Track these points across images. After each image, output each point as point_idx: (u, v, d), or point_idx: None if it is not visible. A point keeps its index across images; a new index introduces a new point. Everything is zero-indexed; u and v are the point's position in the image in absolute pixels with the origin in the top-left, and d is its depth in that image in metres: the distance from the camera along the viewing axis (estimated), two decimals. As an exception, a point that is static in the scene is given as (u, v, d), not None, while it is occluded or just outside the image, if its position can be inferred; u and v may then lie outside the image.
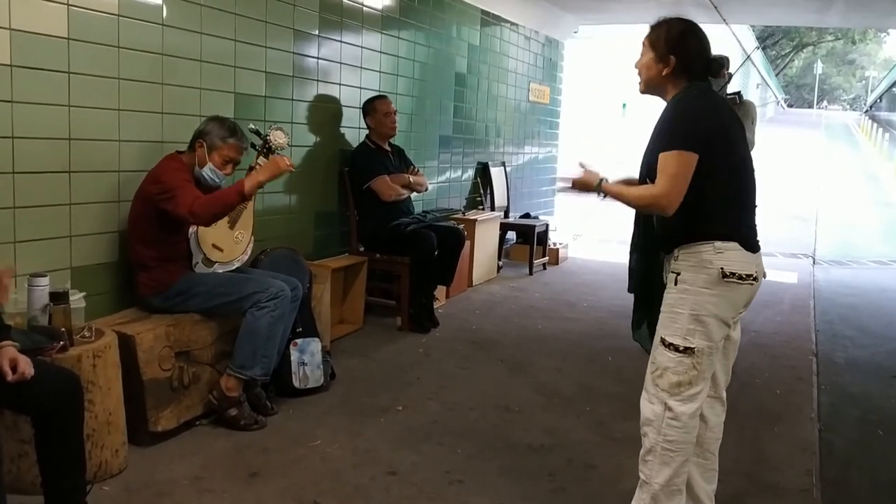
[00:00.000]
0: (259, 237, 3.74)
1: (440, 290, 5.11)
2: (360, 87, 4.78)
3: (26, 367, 1.99)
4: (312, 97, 4.36)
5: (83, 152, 2.96)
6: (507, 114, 7.09)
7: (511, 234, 6.96)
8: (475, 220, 5.79)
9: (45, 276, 2.57)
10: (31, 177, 2.78)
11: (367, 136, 4.68)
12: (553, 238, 7.16)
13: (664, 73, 2.19)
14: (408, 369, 3.90)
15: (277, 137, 3.15)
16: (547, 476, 2.77)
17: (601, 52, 11.92)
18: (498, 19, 6.64)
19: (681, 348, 2.12)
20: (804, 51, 46.32)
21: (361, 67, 4.78)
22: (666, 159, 2.07)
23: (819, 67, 47.50)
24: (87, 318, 2.81)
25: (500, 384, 3.78)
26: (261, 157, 3.14)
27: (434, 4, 5.56)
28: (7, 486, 2.03)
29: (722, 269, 2.09)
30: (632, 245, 2.43)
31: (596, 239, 8.78)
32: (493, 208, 6.60)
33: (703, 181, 2.08)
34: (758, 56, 27.95)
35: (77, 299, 2.69)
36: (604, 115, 13.02)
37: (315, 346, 3.48)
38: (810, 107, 48.30)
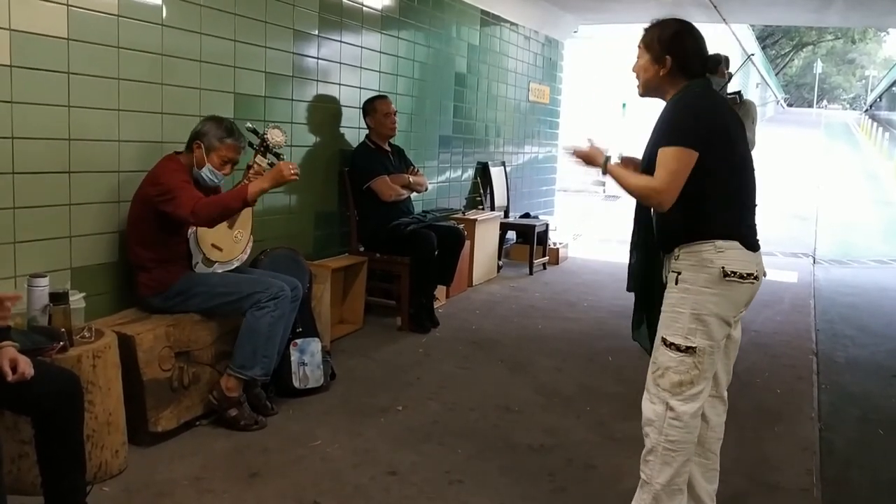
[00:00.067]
0: (259, 237, 3.74)
1: (440, 290, 5.11)
2: (360, 88, 4.78)
3: (26, 367, 1.99)
4: (312, 97, 4.35)
5: (83, 153, 2.96)
6: (507, 114, 7.09)
7: (511, 234, 6.96)
8: (475, 220, 5.79)
9: (45, 276, 2.57)
10: (31, 177, 2.78)
11: (367, 136, 4.68)
12: (553, 238, 7.16)
13: (661, 74, 2.19)
14: (408, 369, 3.90)
15: (275, 136, 3.15)
16: (547, 476, 2.77)
17: (601, 52, 11.92)
18: (498, 19, 6.64)
19: (682, 348, 2.12)
20: (804, 50, 46.32)
21: (361, 67, 4.78)
22: (666, 154, 2.07)
23: (819, 67, 47.47)
24: (87, 319, 2.81)
25: (501, 384, 3.78)
26: (258, 155, 3.14)
27: (434, 4, 5.56)
28: (7, 487, 2.03)
29: (723, 268, 2.09)
30: (631, 244, 2.42)
31: (596, 239, 8.78)
32: (493, 208, 6.60)
33: (703, 180, 2.08)
34: (757, 55, 27.95)
35: (77, 300, 2.69)
36: (604, 115, 13.04)
37: (315, 346, 3.48)
38: (810, 106, 48.27)
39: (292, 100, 4.19)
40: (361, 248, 4.68)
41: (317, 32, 4.32)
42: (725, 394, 2.34)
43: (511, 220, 6.78)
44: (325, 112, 4.52)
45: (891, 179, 15.95)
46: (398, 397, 3.48)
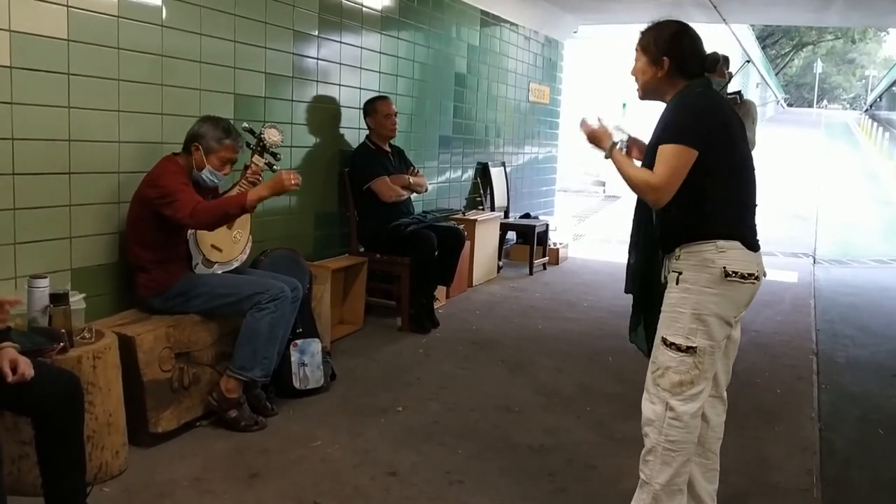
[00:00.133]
0: (259, 238, 3.74)
1: (440, 291, 5.11)
2: (360, 88, 4.78)
3: (26, 368, 1.99)
4: (312, 98, 4.36)
5: (83, 153, 2.96)
6: (507, 114, 7.09)
7: (511, 235, 6.97)
8: (475, 221, 5.79)
9: (45, 277, 2.57)
10: (31, 178, 2.78)
11: (367, 137, 4.68)
12: (553, 238, 7.16)
13: (660, 76, 2.20)
14: (408, 370, 3.90)
15: (272, 136, 3.15)
16: (547, 476, 2.77)
17: (601, 52, 11.93)
18: (497, 19, 6.64)
19: (683, 348, 2.12)
20: (804, 50, 46.31)
21: (361, 68, 4.78)
22: (665, 151, 2.08)
23: (819, 67, 47.47)
24: (87, 320, 2.81)
25: (501, 384, 3.78)
26: (255, 155, 3.14)
27: (433, 5, 5.57)
28: (8, 488, 2.03)
29: (724, 268, 2.09)
30: (630, 244, 2.42)
31: (596, 239, 8.79)
32: (493, 208, 6.60)
33: (703, 180, 2.08)
34: (757, 55, 27.93)
35: (77, 300, 2.69)
36: (604, 115, 13.04)
37: (315, 346, 3.48)
38: (810, 106, 48.27)
39: (292, 100, 4.19)
40: (361, 249, 4.68)
41: (317, 33, 4.32)
42: (725, 394, 2.34)
43: (511, 220, 6.78)
44: (325, 113, 4.52)
45: (891, 179, 15.94)
46: (398, 398, 3.48)
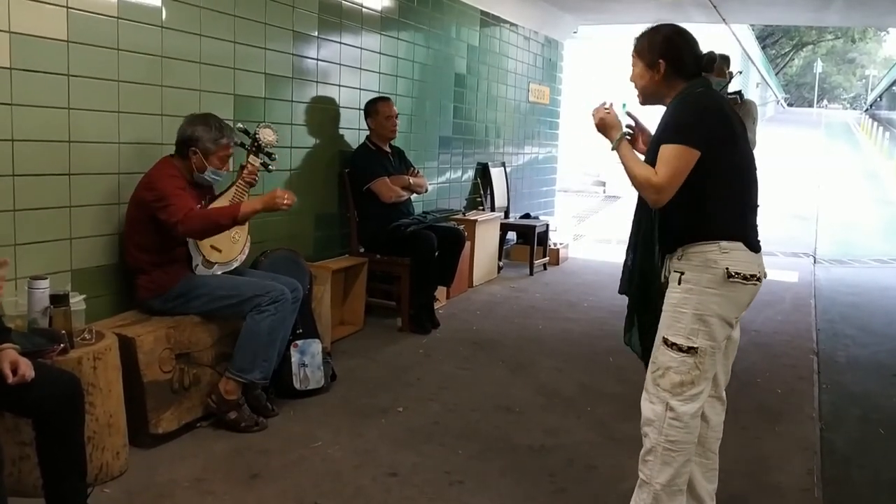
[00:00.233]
0: (259, 238, 3.74)
1: (440, 291, 5.11)
2: (360, 89, 4.78)
3: (27, 369, 1.99)
4: (312, 99, 4.36)
5: (83, 154, 2.96)
6: (507, 114, 7.09)
7: (511, 235, 6.97)
8: (475, 221, 5.79)
9: (46, 278, 2.57)
10: (31, 179, 2.78)
11: (368, 138, 4.68)
12: (553, 238, 7.16)
13: (657, 79, 2.20)
14: (408, 370, 3.90)
15: (266, 135, 3.15)
16: (548, 477, 2.77)
17: (601, 53, 11.93)
18: (497, 20, 6.64)
19: (684, 348, 2.12)
20: (804, 50, 46.31)
21: (361, 69, 4.78)
22: (667, 151, 2.07)
23: (819, 66, 47.48)
24: (88, 321, 2.81)
25: (501, 385, 3.78)
26: (251, 155, 3.14)
27: (433, 5, 5.57)
28: (8, 489, 2.03)
29: (727, 269, 2.09)
30: (629, 244, 2.42)
31: (596, 239, 8.79)
32: (493, 209, 6.60)
33: (706, 180, 2.08)
34: (757, 55, 27.94)
35: (77, 301, 2.69)
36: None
37: (316, 347, 3.48)
38: (810, 106, 48.28)
39: (292, 101, 4.19)
40: (362, 250, 4.68)
41: (316, 34, 4.32)
42: (724, 394, 2.34)
43: (511, 220, 6.78)
44: (325, 113, 4.53)
45: (891, 179, 15.94)
46: (399, 398, 3.48)
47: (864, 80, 51.02)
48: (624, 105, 2.43)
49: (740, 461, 2.91)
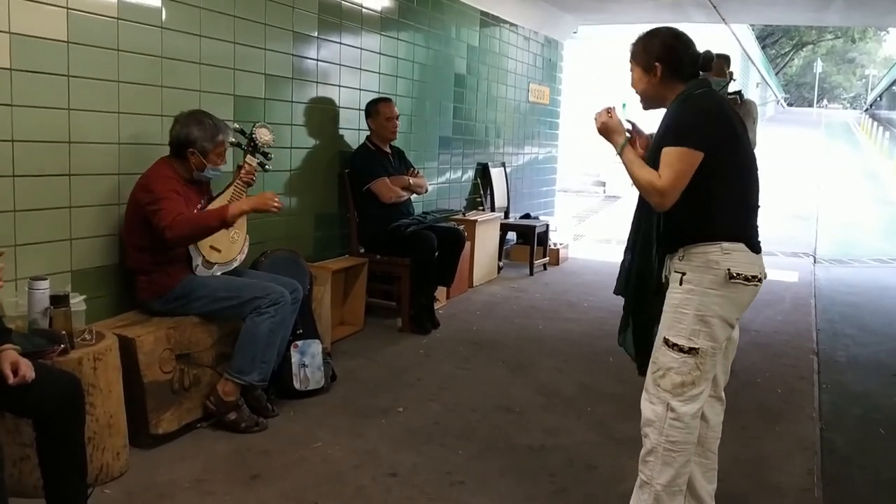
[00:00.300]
0: (259, 239, 3.74)
1: (440, 291, 5.11)
2: (360, 89, 4.78)
3: (27, 370, 1.99)
4: (312, 99, 4.36)
5: (83, 155, 2.96)
6: (507, 114, 7.09)
7: (511, 235, 6.97)
8: (475, 221, 5.79)
9: (46, 279, 2.57)
10: (32, 180, 2.78)
11: (368, 138, 4.68)
12: (553, 238, 7.16)
13: (655, 82, 2.21)
14: (408, 370, 3.90)
15: (262, 135, 3.15)
16: (548, 477, 2.77)
17: (601, 53, 11.93)
18: (497, 20, 6.64)
19: (685, 349, 2.12)
20: (804, 49, 46.31)
21: (361, 69, 4.78)
22: (670, 154, 2.07)
23: (819, 66, 47.48)
24: (88, 321, 2.81)
25: (501, 385, 3.78)
26: (248, 155, 3.15)
27: (433, 6, 5.57)
28: (9, 490, 2.03)
29: (729, 270, 2.09)
30: (627, 244, 2.42)
31: (596, 239, 8.79)
32: (493, 209, 6.60)
33: (709, 181, 2.08)
34: (757, 55, 27.95)
35: (77, 302, 2.69)
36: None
37: (316, 347, 3.48)
38: (810, 105, 48.28)
39: (292, 102, 4.19)
40: (362, 250, 4.68)
41: (316, 34, 4.32)
42: (723, 394, 2.34)
43: (511, 220, 6.78)
44: (325, 114, 4.53)
45: (891, 179, 15.94)
46: (399, 398, 3.48)
47: (864, 80, 51.02)
48: (624, 105, 2.43)
49: (740, 461, 2.91)
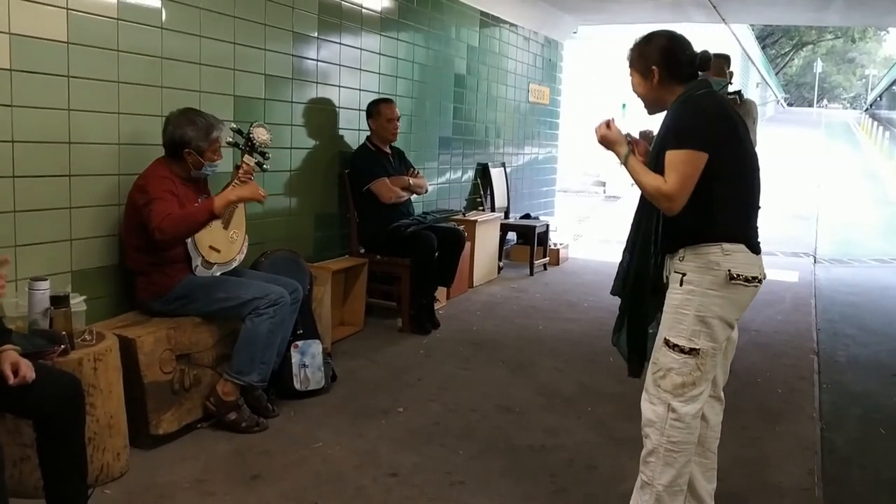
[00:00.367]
0: (259, 239, 3.75)
1: (441, 292, 5.11)
2: (360, 90, 4.78)
3: (27, 370, 1.99)
4: (312, 99, 4.36)
5: (83, 155, 2.96)
6: (507, 115, 7.10)
7: (511, 235, 6.97)
8: (475, 221, 5.79)
9: (46, 279, 2.57)
10: (32, 180, 2.78)
11: (368, 138, 4.68)
12: (553, 238, 7.16)
13: (654, 86, 2.21)
14: (409, 370, 3.90)
15: (260, 135, 3.15)
16: (548, 477, 2.77)
17: (600, 53, 11.93)
18: (497, 20, 6.64)
19: (686, 349, 2.12)
20: (804, 49, 46.30)
21: (361, 69, 4.78)
22: (675, 157, 2.07)
23: (819, 66, 47.46)
24: (88, 322, 2.81)
25: (501, 385, 3.78)
26: (246, 155, 3.15)
27: (433, 6, 5.57)
28: (9, 490, 2.03)
29: (729, 271, 2.09)
30: (626, 245, 2.41)
31: (596, 239, 8.79)
32: (493, 209, 6.60)
33: (711, 181, 2.08)
34: (757, 55, 27.94)
35: (78, 303, 2.69)
36: (604, 116, 13.05)
37: (316, 348, 3.48)
38: (810, 105, 48.26)
39: (292, 102, 4.19)
40: (362, 250, 4.68)
41: (316, 35, 4.32)
42: (722, 394, 2.35)
43: (511, 220, 6.78)
44: (325, 114, 4.53)
45: (891, 179, 15.94)
46: (399, 399, 3.48)
47: (864, 80, 51.01)
48: (623, 106, 2.44)
49: (740, 461, 2.91)
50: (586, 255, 7.76)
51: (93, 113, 2.98)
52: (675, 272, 2.18)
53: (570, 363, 4.16)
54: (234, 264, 3.22)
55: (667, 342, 2.16)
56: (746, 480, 2.78)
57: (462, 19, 6.03)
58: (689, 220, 2.12)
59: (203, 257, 3.09)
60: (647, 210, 2.26)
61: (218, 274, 3.13)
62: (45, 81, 2.79)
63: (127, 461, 2.66)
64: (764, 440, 3.18)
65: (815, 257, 8.15)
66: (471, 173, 6.48)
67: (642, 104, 2.30)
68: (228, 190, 3.01)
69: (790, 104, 46.82)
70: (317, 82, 4.38)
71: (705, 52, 2.23)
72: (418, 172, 4.88)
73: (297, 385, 3.39)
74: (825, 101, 55.08)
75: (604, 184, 13.61)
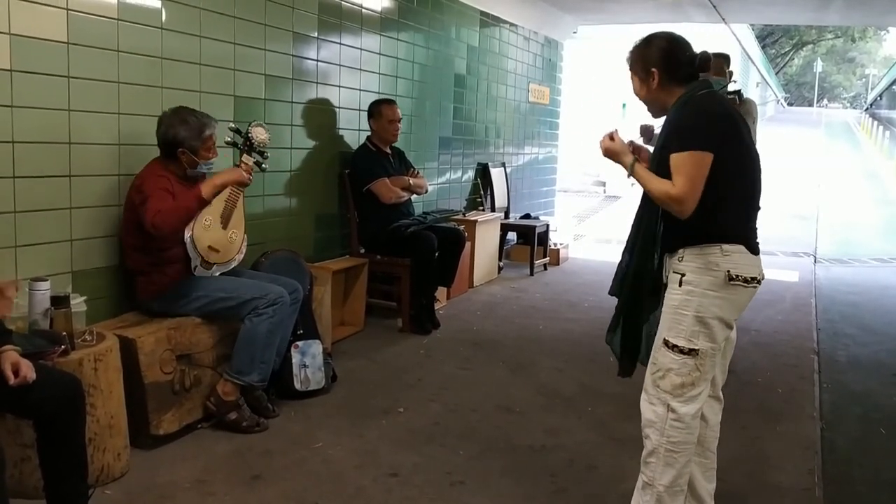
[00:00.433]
0: (260, 239, 3.75)
1: (441, 292, 5.11)
2: (360, 90, 4.78)
3: (28, 371, 2.00)
4: (312, 100, 4.36)
5: (83, 156, 2.96)
6: (507, 115, 7.10)
7: (511, 235, 6.97)
8: (475, 221, 5.79)
9: (46, 279, 2.57)
10: (32, 181, 2.78)
11: (368, 139, 4.68)
12: (553, 238, 7.16)
13: (654, 89, 2.21)
14: (409, 371, 3.90)
15: (258, 134, 3.15)
16: (548, 477, 2.77)
17: (600, 53, 11.94)
18: (497, 20, 6.64)
19: (685, 350, 2.12)
20: (804, 49, 46.28)
21: (361, 69, 4.78)
22: (681, 160, 2.07)
23: (819, 66, 47.44)
24: (88, 322, 2.81)
25: (502, 385, 3.78)
26: (245, 154, 3.15)
27: (433, 6, 5.57)
28: (10, 491, 2.03)
29: (728, 271, 2.09)
30: (626, 246, 2.41)
31: (596, 239, 8.79)
32: (493, 209, 6.60)
33: (713, 181, 2.08)
34: (757, 55, 27.94)
35: (78, 303, 2.69)
36: (604, 115, 13.07)
37: (316, 348, 3.48)
38: (810, 105, 48.26)
39: (292, 102, 4.19)
40: (362, 250, 4.68)
41: (316, 35, 4.32)
42: (721, 393, 2.35)
43: (511, 220, 6.78)
44: (325, 114, 4.53)
45: (891, 178, 15.94)
46: (399, 399, 3.48)
47: (864, 80, 51.00)
48: (623, 105, 2.44)
49: (741, 461, 2.91)
50: (586, 255, 7.76)
51: (93, 113, 2.99)
52: (675, 272, 2.18)
53: (571, 363, 4.16)
54: (234, 264, 3.22)
55: (666, 343, 2.16)
56: (746, 480, 2.78)
57: (462, 19, 6.03)
58: (690, 220, 2.12)
59: (202, 257, 3.08)
60: (648, 210, 2.26)
61: (217, 274, 3.13)
62: (46, 82, 2.79)
63: (127, 461, 2.66)
64: (764, 440, 3.18)
65: (815, 257, 8.16)
66: (471, 173, 6.48)
67: (646, 107, 2.30)
68: (216, 175, 3.03)
69: (790, 104, 46.82)
70: (317, 82, 4.38)
71: (705, 53, 2.23)
72: (418, 172, 4.88)
73: (297, 385, 3.39)
74: (825, 101, 55.07)
75: (604, 184, 13.62)
